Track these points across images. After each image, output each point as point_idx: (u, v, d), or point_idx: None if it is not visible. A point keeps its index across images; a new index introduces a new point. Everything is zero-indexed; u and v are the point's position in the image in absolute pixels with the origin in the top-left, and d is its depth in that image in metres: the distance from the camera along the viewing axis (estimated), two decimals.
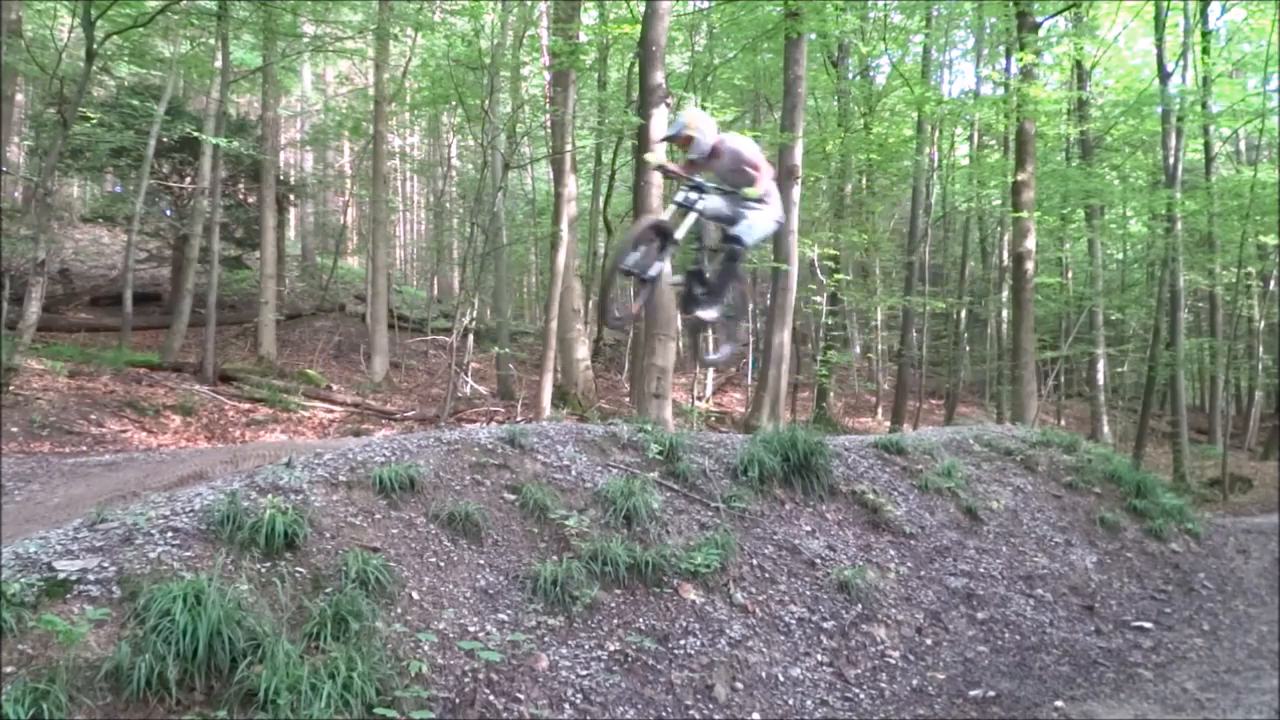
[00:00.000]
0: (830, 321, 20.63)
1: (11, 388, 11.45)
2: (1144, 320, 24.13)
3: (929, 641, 5.84)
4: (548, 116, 16.88)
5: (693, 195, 5.15)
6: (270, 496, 4.72)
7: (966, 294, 23.39)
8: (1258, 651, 6.24)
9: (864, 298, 22.50)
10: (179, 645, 3.62)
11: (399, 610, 4.47)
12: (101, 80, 18.57)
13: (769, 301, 15.17)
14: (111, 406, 12.45)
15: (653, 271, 5.06)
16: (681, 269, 5.55)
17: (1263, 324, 23.75)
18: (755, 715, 4.76)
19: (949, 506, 7.42)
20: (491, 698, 4.21)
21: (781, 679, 5.08)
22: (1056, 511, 8.09)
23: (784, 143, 13.46)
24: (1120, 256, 27.37)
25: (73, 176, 21.37)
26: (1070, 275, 23.67)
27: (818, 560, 6.17)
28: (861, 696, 5.14)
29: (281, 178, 22.28)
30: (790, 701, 4.94)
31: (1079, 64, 20.00)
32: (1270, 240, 20.08)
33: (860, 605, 5.86)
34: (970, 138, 23.52)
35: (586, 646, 4.79)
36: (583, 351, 17.76)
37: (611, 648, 4.83)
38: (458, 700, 4.13)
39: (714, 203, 5.18)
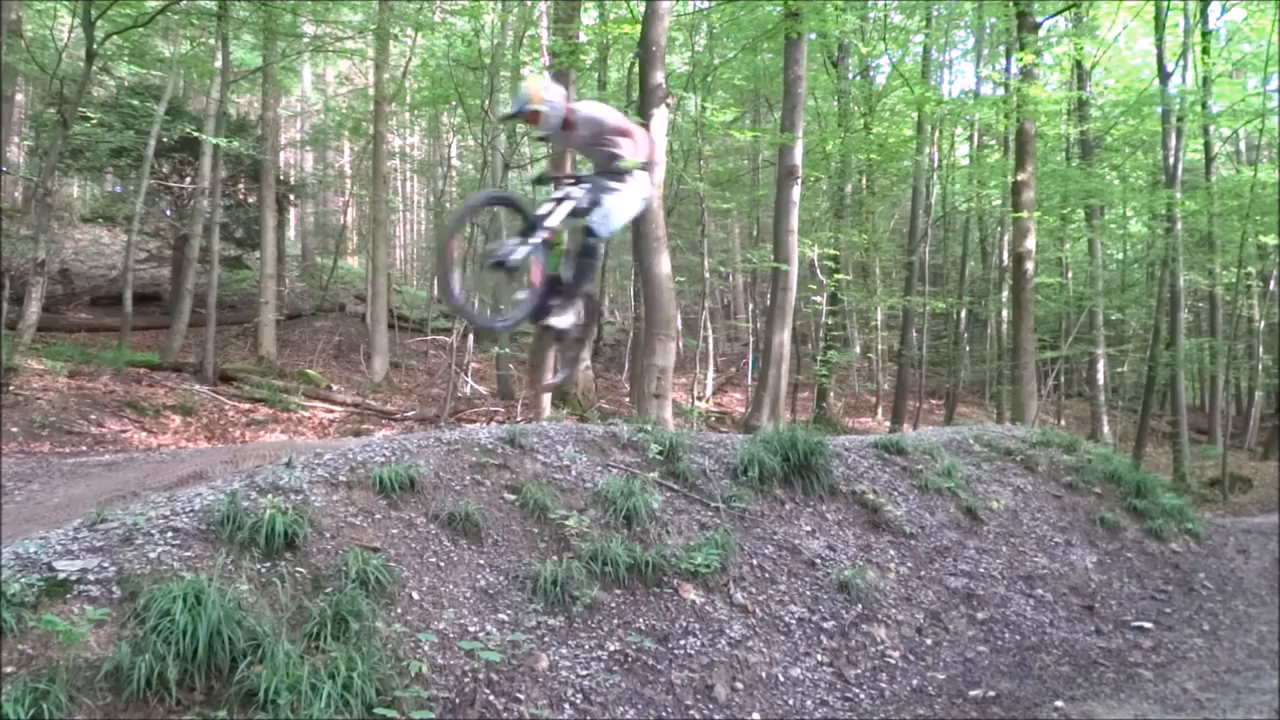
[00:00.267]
0: (830, 321, 20.63)
1: (11, 388, 11.45)
2: (1144, 320, 24.13)
3: (929, 641, 5.84)
4: None
5: (575, 190, 4.59)
6: (270, 496, 4.72)
7: (966, 294, 23.40)
8: (1258, 651, 6.24)
9: (864, 298, 22.50)
10: (179, 645, 3.62)
11: (399, 610, 4.47)
12: (101, 80, 18.58)
13: (769, 301, 15.17)
14: (111, 406, 12.45)
15: (515, 257, 4.35)
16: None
17: (1263, 324, 23.75)
18: (755, 715, 4.76)
19: (949, 506, 7.42)
20: (491, 698, 4.21)
21: (781, 679, 5.08)
22: (1056, 511, 8.09)
23: (784, 143, 13.47)
24: (1120, 256, 27.36)
25: (73, 176, 21.37)
26: (1070, 275, 23.67)
27: (818, 560, 6.17)
28: (861, 696, 5.14)
29: (281, 178, 22.30)
30: (790, 701, 4.94)
31: (1079, 64, 20.00)
32: (1270, 240, 20.07)
33: (860, 605, 5.86)
34: (970, 138, 23.54)
35: (586, 646, 4.79)
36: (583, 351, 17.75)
37: (611, 648, 4.83)
38: (458, 700, 4.13)
39: (581, 193, 4.63)
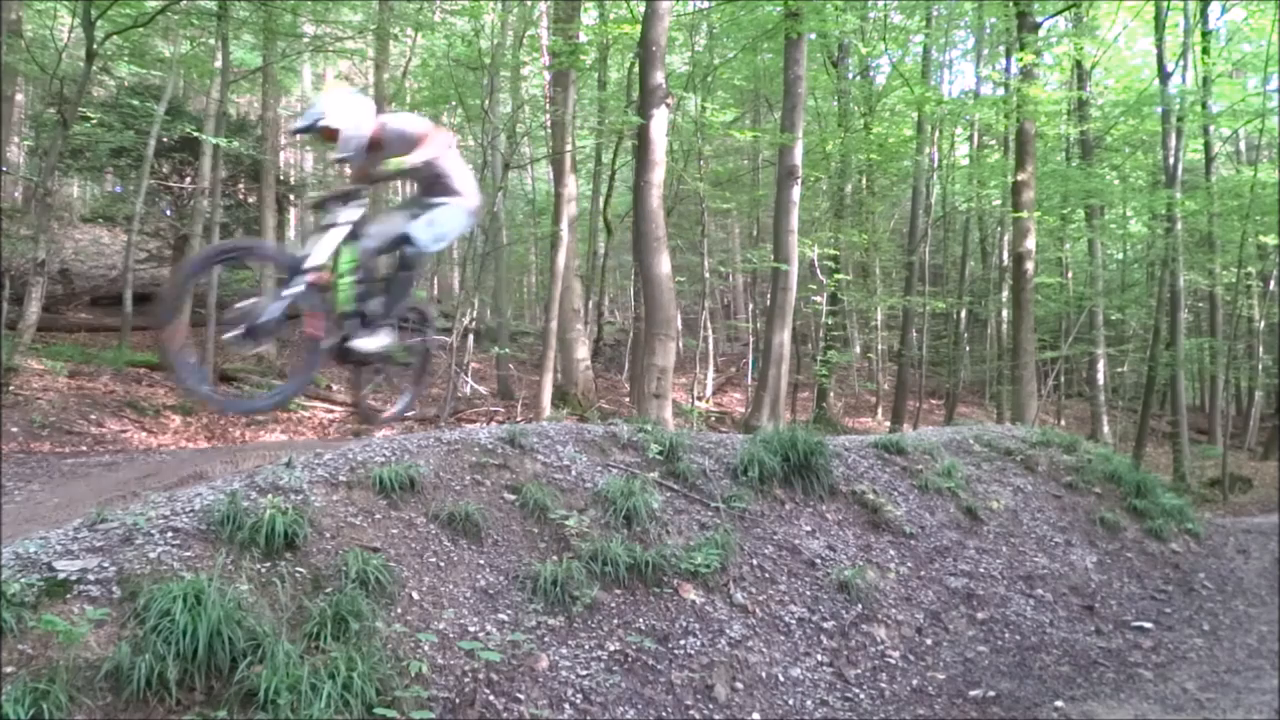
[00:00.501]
0: (830, 321, 20.62)
1: (11, 388, 11.45)
2: (1144, 320, 24.11)
3: (929, 641, 5.84)
4: (548, 117, 16.88)
5: (344, 212, 3.87)
6: (270, 496, 4.72)
7: (966, 294, 23.38)
8: (1258, 651, 6.25)
9: (864, 298, 22.48)
10: (179, 645, 3.62)
11: (399, 610, 4.47)
12: (101, 80, 18.56)
13: (769, 301, 15.17)
14: (111, 406, 12.45)
15: (265, 319, 3.66)
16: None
17: (1263, 324, 23.73)
18: (755, 715, 4.76)
19: (949, 506, 7.42)
20: (491, 698, 4.21)
21: (781, 679, 5.08)
22: (1056, 511, 8.09)
23: (784, 143, 13.46)
24: (1120, 256, 27.35)
25: (73, 176, 21.36)
26: (1070, 275, 23.66)
27: (818, 560, 6.17)
28: (861, 696, 5.14)
29: (281, 178, 22.28)
30: (790, 701, 4.94)
31: (1079, 64, 19.99)
32: (1270, 240, 20.06)
33: (860, 605, 5.86)
34: (970, 138, 23.51)
35: (586, 646, 4.79)
36: (583, 351, 17.76)
37: (611, 648, 4.83)
38: (458, 700, 4.13)
39: (373, 216, 4.06)
